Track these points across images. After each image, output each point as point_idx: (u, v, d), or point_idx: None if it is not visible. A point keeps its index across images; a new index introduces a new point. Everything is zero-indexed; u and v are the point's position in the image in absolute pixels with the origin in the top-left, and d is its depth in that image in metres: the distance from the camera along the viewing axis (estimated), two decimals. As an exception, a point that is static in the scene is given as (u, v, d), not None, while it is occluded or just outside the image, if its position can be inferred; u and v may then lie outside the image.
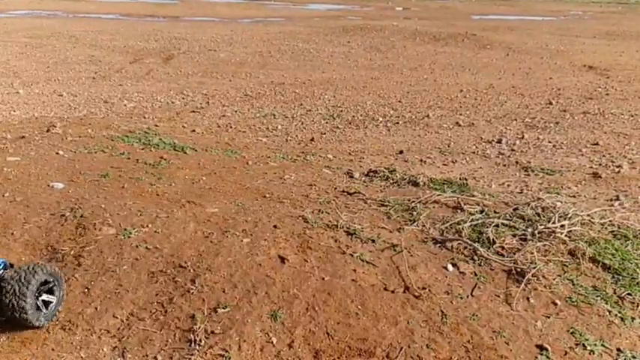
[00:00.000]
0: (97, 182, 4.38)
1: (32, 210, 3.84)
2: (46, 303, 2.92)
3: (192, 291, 3.04)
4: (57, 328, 2.84)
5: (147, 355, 2.72)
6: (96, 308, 2.94)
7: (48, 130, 5.91)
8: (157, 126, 7.22)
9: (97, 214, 3.76)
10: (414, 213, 4.01)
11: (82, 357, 2.72)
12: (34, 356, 2.71)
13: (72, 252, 3.39)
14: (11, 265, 3.03)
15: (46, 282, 2.91)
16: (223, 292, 3.04)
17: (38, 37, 15.74)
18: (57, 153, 5.11)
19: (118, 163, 4.89)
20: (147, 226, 3.63)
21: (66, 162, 4.84)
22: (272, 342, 2.77)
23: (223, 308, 2.94)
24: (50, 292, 2.95)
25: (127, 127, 6.56)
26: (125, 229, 3.57)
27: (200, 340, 2.76)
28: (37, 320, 2.82)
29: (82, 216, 3.77)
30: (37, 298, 2.85)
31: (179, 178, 4.60)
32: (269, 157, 5.67)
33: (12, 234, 3.56)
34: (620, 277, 3.35)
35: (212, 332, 2.81)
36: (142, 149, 5.27)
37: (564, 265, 3.44)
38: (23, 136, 5.65)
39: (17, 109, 8.51)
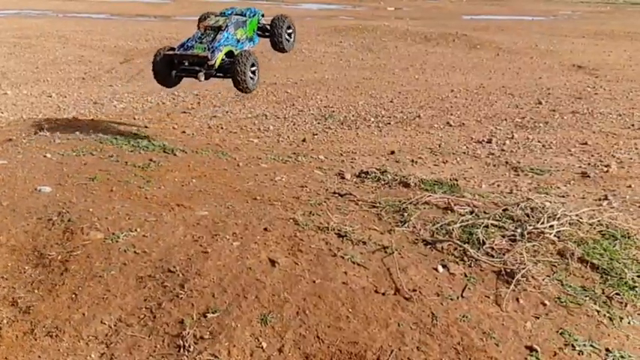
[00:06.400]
0: (85, 186, 4.34)
1: (19, 214, 3.79)
2: (253, 72, 5.45)
3: (181, 296, 3.02)
4: (43, 335, 2.81)
5: (135, 361, 2.70)
6: (83, 314, 2.91)
7: (36, 133, 5.84)
8: (146, 127, 7.16)
9: (84, 219, 3.72)
10: (405, 214, 4.02)
11: (69, 364, 2.69)
12: (20, 363, 2.68)
13: (59, 257, 3.35)
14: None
15: (253, 64, 5.34)
16: (213, 296, 3.02)
17: (27, 37, 15.54)
18: (45, 156, 5.05)
19: (106, 165, 4.84)
20: (135, 230, 3.60)
21: (54, 165, 4.79)
22: (262, 347, 2.76)
23: (213, 313, 2.92)
24: (253, 65, 5.45)
25: (117, 129, 6.51)
26: (113, 234, 3.54)
27: (189, 346, 2.75)
28: (250, 87, 5.53)
29: (69, 220, 3.73)
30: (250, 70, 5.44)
31: (168, 180, 4.57)
32: (260, 158, 5.65)
33: (-2, 239, 3.52)
34: (609, 277, 3.38)
35: (201, 337, 2.79)
36: (131, 151, 5.23)
37: (553, 265, 3.46)
38: (10, 139, 5.58)
39: (5, 110, 8.41)
